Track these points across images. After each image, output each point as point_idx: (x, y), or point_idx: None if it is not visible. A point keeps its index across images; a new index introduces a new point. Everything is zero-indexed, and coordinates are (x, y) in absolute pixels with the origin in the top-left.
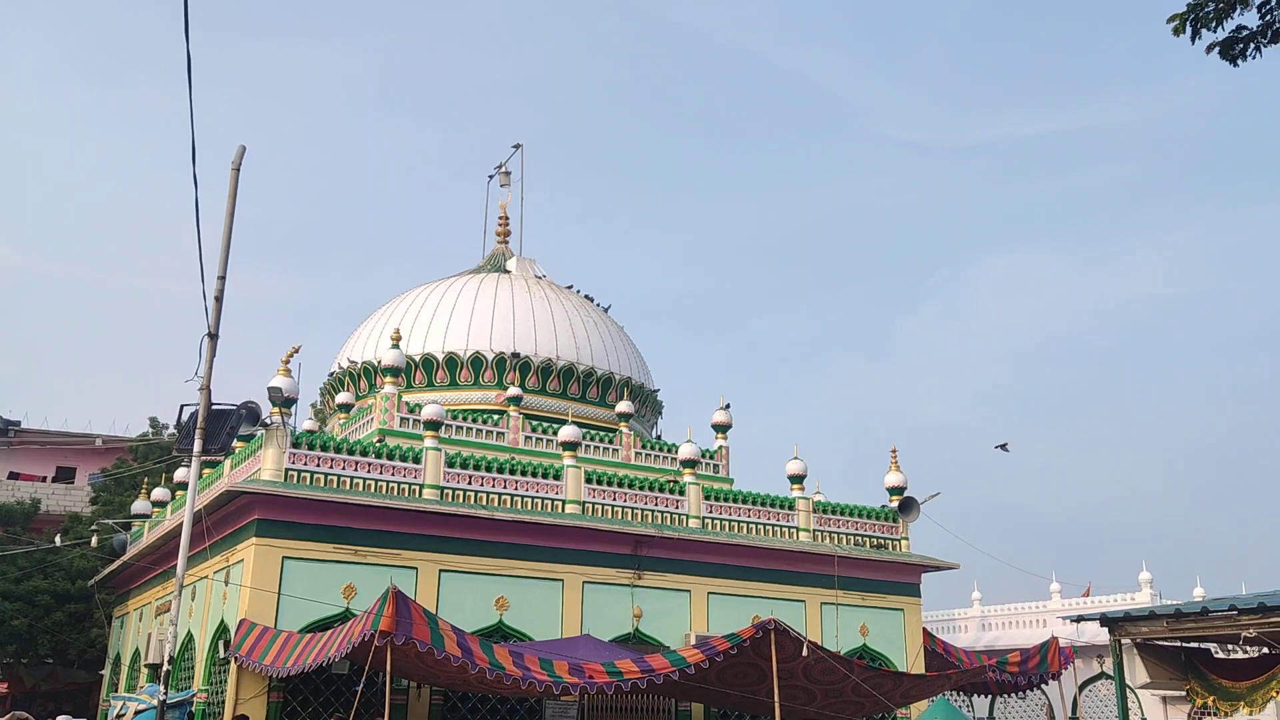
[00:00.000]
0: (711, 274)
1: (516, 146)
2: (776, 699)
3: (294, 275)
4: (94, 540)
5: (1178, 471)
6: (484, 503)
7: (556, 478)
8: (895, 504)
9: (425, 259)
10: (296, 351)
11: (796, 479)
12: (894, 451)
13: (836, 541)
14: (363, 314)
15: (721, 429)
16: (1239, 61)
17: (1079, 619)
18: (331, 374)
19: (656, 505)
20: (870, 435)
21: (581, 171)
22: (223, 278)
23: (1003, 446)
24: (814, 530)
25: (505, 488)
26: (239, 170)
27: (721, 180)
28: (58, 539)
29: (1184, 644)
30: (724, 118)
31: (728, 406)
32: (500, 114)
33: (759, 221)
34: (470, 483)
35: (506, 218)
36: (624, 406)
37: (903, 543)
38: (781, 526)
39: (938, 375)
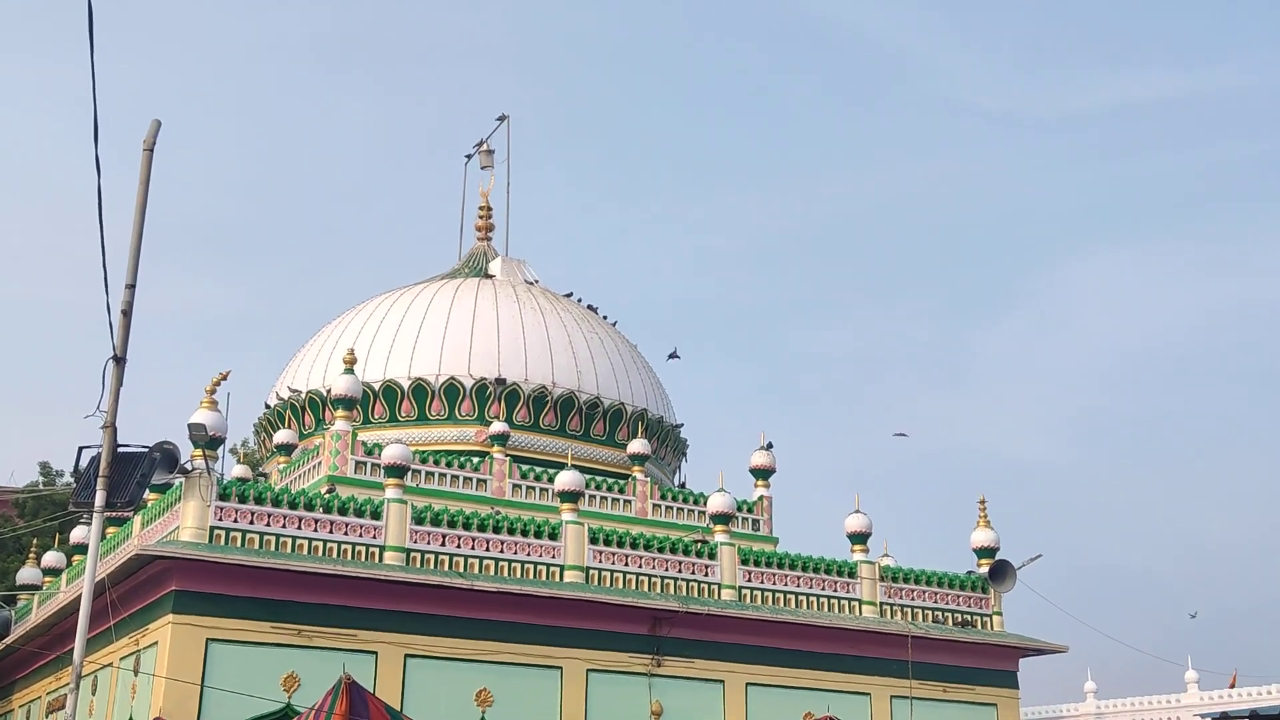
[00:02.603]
0: (743, 278)
1: (501, 119)
2: None
3: (222, 282)
4: None
5: None
6: (461, 569)
7: (553, 537)
8: (985, 569)
9: (387, 261)
10: (225, 378)
11: (858, 538)
12: (982, 503)
13: (911, 618)
14: (308, 331)
15: (762, 474)
16: None
17: (1223, 717)
18: (268, 407)
19: (680, 572)
20: (948, 480)
21: (582, 151)
22: (132, 286)
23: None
24: (881, 603)
25: (488, 550)
26: (153, 151)
27: (755, 161)
28: None
29: None
30: (759, 83)
31: (770, 446)
32: (480, 79)
33: (802, 212)
34: (444, 544)
35: (489, 208)
36: (638, 446)
37: (995, 619)
38: (840, 599)
39: (1028, 403)
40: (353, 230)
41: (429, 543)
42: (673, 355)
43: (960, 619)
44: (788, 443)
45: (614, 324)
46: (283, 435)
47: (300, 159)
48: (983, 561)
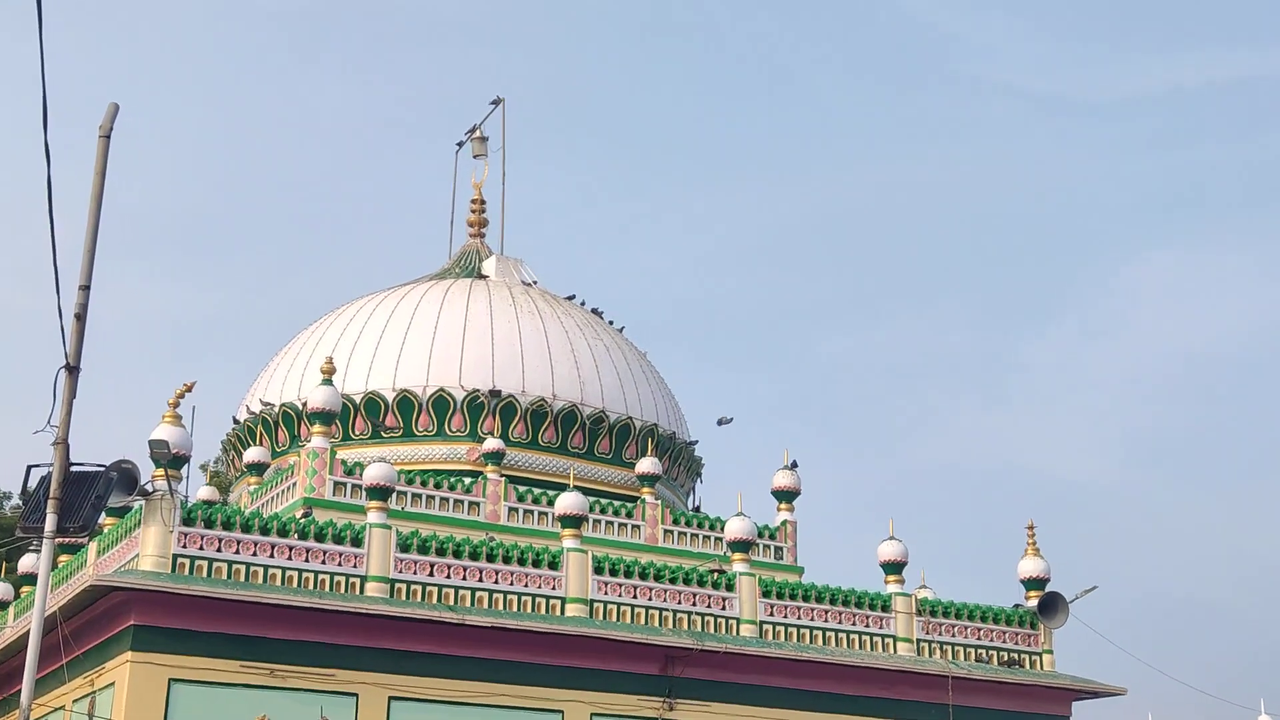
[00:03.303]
0: (763, 278)
1: (496, 103)
2: None
3: (187, 284)
4: None
5: None
6: (451, 601)
7: (553, 566)
8: (1034, 602)
9: (369, 260)
10: (189, 390)
11: (893, 567)
12: (1031, 528)
13: (951, 656)
14: (282, 338)
15: (786, 496)
16: None
17: None
18: (238, 422)
19: (695, 605)
20: (992, 503)
21: (585, 138)
22: (86, 288)
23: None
24: (919, 640)
25: (481, 580)
26: (110, 138)
27: (776, 149)
28: None
29: None
30: (780, 63)
31: (794, 465)
32: (473, 58)
33: (828, 204)
34: (432, 573)
35: (482, 201)
36: (648, 465)
37: (1045, 657)
38: (873, 635)
39: (1080, 417)
40: (332, 226)
41: (415, 572)
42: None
43: (1006, 658)
44: (814, 462)
45: (620, 329)
46: (254, 453)
47: (273, 147)
48: (1031, 594)
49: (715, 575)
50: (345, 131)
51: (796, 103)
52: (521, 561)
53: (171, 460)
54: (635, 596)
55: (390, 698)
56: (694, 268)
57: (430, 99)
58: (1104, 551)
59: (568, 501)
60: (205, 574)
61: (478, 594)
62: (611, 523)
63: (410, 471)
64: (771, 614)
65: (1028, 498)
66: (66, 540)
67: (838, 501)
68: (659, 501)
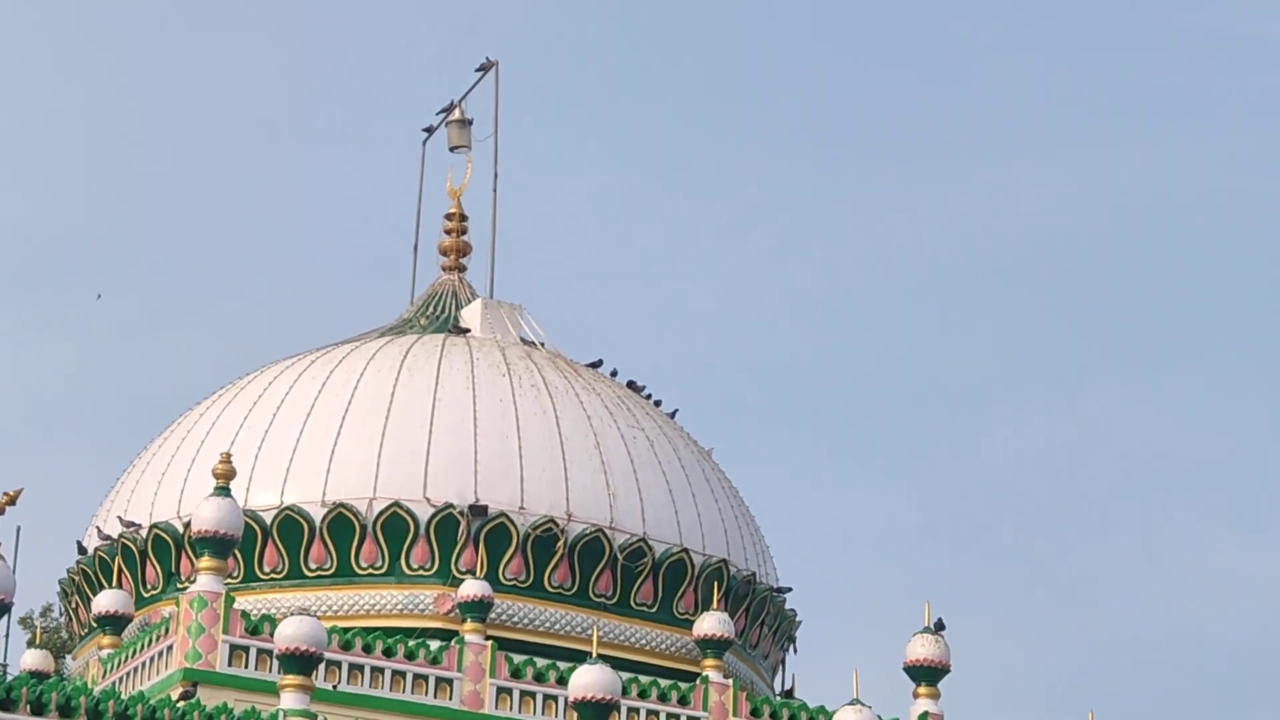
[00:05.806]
0: (886, 338)
1: (483, 69)
2: None
3: (9, 343)
4: None
5: None
6: None
7: None
8: None
9: (289, 305)
10: (12, 502)
11: None
12: None
13: None
14: (156, 424)
15: (928, 675)
16: None
17: None
18: (85, 552)
19: None
20: (1245, 681)
21: (619, 124)
22: None
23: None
24: None
25: None
26: None
27: (897, 143)
28: None
29: None
30: (911, 23)
31: (940, 627)
32: (452, 5)
33: (987, 226)
34: None
35: (462, 217)
36: (713, 624)
37: None
38: None
39: None
40: (234, 255)
41: None
42: None
43: None
44: (969, 622)
45: (672, 414)
46: (108, 599)
47: (146, 135)
48: None
49: None
50: (261, 112)
51: (936, 81)
52: None
53: None
54: None
55: None
56: (781, 320)
57: (387, 62)
58: None
59: (589, 679)
60: None
61: None
62: (656, 712)
63: (348, 630)
64: None
65: (1256, 661)
66: None
67: (1005, 682)
68: (729, 680)
